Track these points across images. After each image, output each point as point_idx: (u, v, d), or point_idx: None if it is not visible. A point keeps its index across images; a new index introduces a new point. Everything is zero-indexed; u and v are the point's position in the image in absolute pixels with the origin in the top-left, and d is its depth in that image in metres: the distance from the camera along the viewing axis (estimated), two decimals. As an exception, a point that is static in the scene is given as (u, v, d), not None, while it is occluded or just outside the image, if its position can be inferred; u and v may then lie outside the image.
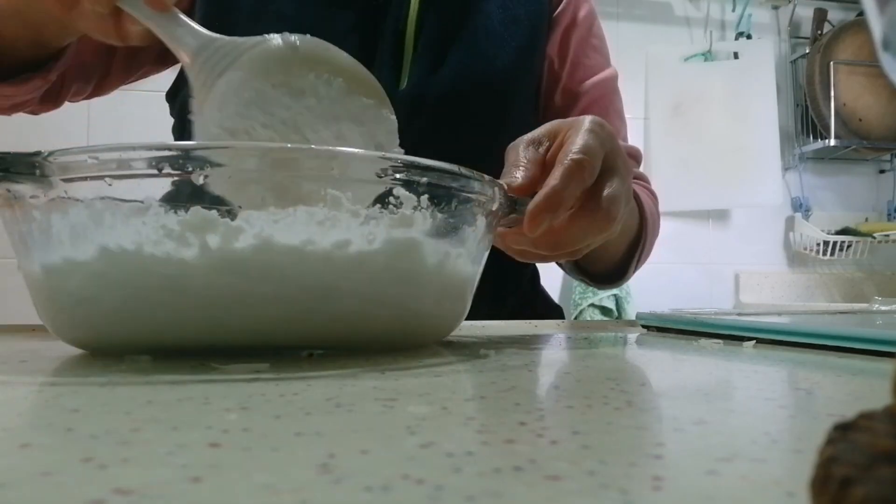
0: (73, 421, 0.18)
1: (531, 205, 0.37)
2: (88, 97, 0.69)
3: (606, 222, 0.39)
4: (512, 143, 0.42)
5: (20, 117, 0.66)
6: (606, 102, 0.72)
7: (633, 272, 0.67)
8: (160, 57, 0.70)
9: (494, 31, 0.66)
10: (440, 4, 0.66)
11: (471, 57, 0.65)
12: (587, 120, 0.40)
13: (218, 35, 0.38)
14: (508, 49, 0.67)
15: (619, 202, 0.40)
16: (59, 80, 0.61)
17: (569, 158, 0.38)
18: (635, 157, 0.74)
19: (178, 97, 0.71)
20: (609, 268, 0.66)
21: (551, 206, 0.36)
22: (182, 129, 0.70)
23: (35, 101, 0.62)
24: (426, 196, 0.31)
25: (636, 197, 0.63)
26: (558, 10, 0.71)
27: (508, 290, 0.73)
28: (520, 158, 0.40)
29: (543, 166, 0.40)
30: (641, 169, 0.77)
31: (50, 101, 0.64)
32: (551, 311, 0.78)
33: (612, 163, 0.40)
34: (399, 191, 0.30)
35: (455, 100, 0.65)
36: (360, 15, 0.64)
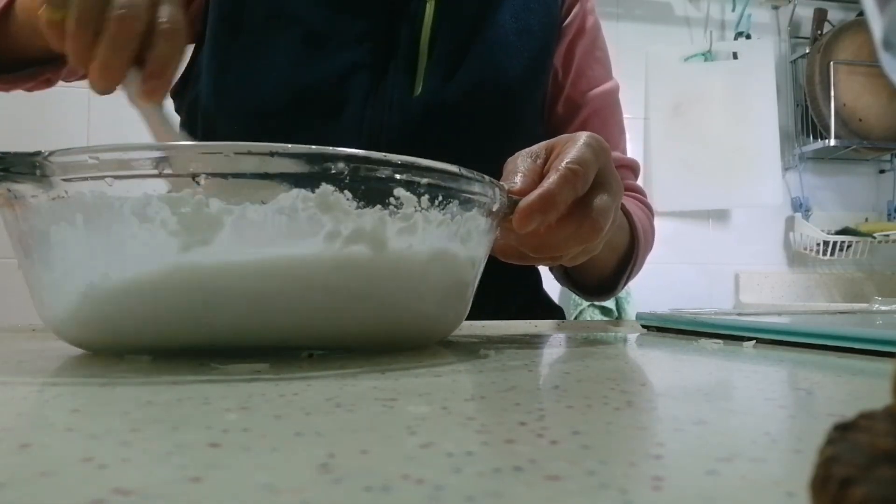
0: (73, 421, 0.18)
1: (523, 202, 0.37)
2: (81, 78, 0.69)
3: (592, 232, 0.40)
4: (510, 157, 0.43)
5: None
6: (607, 114, 0.73)
7: (623, 286, 0.68)
8: None
9: (507, 41, 0.67)
10: (456, 14, 0.66)
11: (484, 67, 0.66)
12: (584, 135, 0.42)
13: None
14: (520, 59, 0.67)
15: (607, 215, 0.41)
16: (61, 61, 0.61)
17: (564, 166, 0.39)
18: (633, 168, 0.75)
19: (186, 94, 0.70)
20: (599, 281, 0.67)
21: (544, 206, 0.37)
22: (192, 126, 0.70)
23: (37, 84, 0.62)
24: (426, 197, 0.31)
25: (627, 214, 0.63)
26: (567, 21, 0.71)
27: (512, 295, 0.73)
28: (518, 167, 0.41)
29: (540, 177, 0.40)
30: (641, 175, 0.78)
31: (47, 82, 0.64)
32: (553, 313, 0.78)
33: (604, 179, 0.41)
34: (400, 191, 0.30)
35: (468, 108, 0.65)
36: (374, 21, 0.65)
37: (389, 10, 0.65)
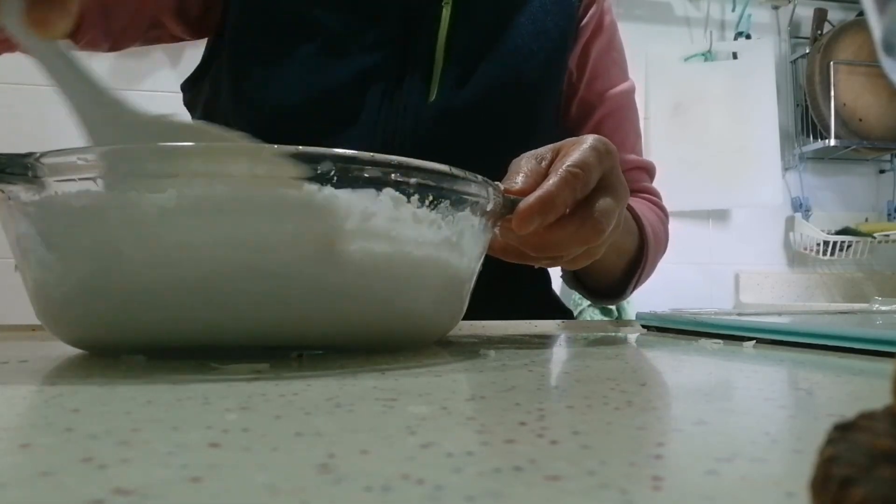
0: (73, 421, 0.18)
1: (523, 203, 0.37)
2: (106, 51, 0.66)
3: (594, 234, 0.40)
4: (516, 158, 0.43)
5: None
6: (622, 115, 0.72)
7: (633, 290, 0.67)
8: (186, 28, 0.67)
9: (524, 44, 0.67)
10: (473, 19, 0.66)
11: (500, 70, 0.66)
12: (590, 138, 0.41)
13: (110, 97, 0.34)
14: (536, 62, 0.67)
15: (609, 216, 0.41)
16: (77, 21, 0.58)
17: (564, 168, 0.39)
18: (647, 170, 0.74)
19: (202, 90, 0.69)
20: (607, 284, 0.66)
21: (543, 207, 0.37)
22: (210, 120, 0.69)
23: None
24: (416, 196, 0.31)
25: (637, 217, 0.63)
26: (584, 22, 0.71)
27: (522, 297, 0.72)
28: (521, 167, 0.41)
29: (543, 178, 0.40)
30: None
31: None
32: (563, 315, 0.78)
33: (608, 182, 0.41)
34: (389, 191, 0.30)
35: (483, 112, 0.65)
36: (392, 27, 0.65)
37: (407, 17, 0.65)
